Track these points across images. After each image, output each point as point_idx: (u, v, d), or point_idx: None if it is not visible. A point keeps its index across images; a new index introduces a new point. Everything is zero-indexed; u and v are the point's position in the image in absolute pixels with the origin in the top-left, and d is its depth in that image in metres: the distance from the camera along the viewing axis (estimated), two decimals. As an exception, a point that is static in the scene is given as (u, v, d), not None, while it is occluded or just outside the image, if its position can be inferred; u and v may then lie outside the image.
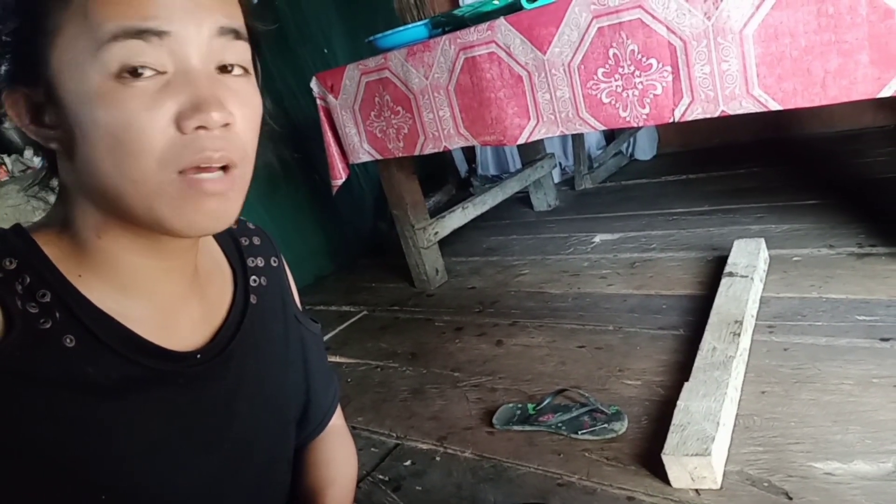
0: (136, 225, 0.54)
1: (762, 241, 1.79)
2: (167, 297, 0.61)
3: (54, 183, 0.59)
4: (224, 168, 0.52)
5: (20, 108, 0.53)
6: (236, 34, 0.53)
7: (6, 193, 1.87)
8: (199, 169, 0.51)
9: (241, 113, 0.53)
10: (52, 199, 0.60)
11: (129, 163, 0.49)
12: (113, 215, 0.54)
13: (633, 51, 1.41)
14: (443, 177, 3.59)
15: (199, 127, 0.50)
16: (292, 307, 0.77)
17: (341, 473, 0.81)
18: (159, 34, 0.48)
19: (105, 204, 0.53)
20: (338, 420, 0.86)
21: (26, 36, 0.51)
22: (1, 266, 0.52)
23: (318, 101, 2.11)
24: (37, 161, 2.23)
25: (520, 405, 1.44)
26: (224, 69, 0.53)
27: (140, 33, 0.48)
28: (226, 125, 0.51)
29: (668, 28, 1.34)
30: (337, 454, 0.83)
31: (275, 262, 0.76)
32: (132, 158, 0.49)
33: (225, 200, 0.53)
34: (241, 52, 0.54)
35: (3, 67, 0.53)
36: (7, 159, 2.21)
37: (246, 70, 0.55)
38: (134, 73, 0.48)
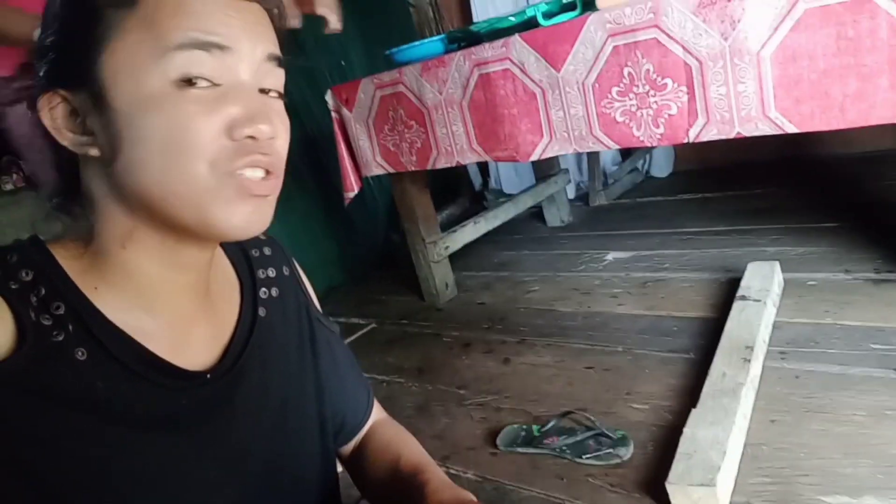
0: (167, 232, 0.56)
1: (776, 264, 1.76)
2: (181, 314, 0.61)
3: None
4: (266, 172, 0.56)
5: (57, 112, 0.53)
6: (279, 61, 0.57)
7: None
8: (247, 168, 0.54)
9: (281, 130, 0.57)
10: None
11: (181, 164, 0.51)
12: (144, 223, 0.55)
13: (648, 70, 1.39)
14: (457, 189, 3.58)
15: (249, 136, 0.53)
16: (313, 310, 0.78)
17: (411, 447, 0.84)
18: (222, 48, 0.52)
19: (141, 210, 0.54)
20: (381, 414, 0.91)
21: (78, 39, 0.51)
22: (17, 277, 0.52)
23: (333, 114, 2.12)
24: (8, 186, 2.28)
25: (524, 427, 1.42)
26: (265, 91, 0.56)
27: (205, 45, 0.51)
28: (270, 138, 0.55)
29: (684, 48, 1.33)
30: (399, 435, 0.86)
31: (287, 270, 0.76)
32: (185, 160, 0.51)
33: (267, 204, 0.57)
34: (280, 78, 0.58)
35: (44, 69, 0.54)
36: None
37: (281, 95, 0.59)
38: (192, 81, 0.51)
